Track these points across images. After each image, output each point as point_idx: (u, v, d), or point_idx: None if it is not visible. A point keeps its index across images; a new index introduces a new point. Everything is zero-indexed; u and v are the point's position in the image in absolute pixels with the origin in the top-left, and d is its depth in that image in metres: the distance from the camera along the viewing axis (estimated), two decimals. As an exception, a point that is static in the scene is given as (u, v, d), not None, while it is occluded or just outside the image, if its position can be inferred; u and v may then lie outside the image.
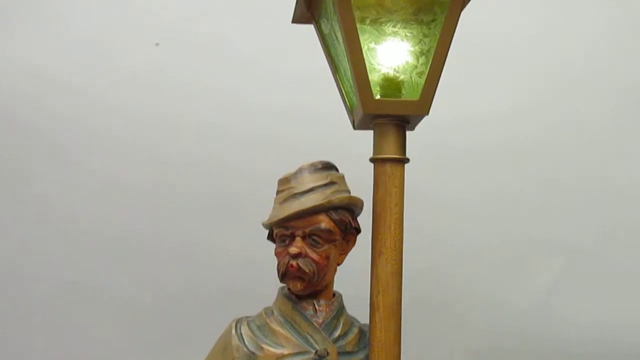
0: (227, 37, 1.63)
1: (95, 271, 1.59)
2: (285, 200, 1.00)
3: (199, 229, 1.59)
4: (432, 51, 0.95)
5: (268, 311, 1.02)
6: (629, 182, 1.63)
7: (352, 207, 1.01)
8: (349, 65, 0.95)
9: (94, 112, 1.61)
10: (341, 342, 1.00)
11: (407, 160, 0.97)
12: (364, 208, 1.03)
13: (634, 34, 1.66)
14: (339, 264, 1.02)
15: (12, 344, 1.58)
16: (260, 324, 1.01)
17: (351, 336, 1.01)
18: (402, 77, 0.96)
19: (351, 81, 0.97)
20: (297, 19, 1.09)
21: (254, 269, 1.47)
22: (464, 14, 0.97)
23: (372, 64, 0.95)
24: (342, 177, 1.03)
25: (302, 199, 0.99)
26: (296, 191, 1.00)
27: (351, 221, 1.01)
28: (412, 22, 0.96)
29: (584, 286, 1.62)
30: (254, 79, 1.61)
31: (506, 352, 1.61)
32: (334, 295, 1.03)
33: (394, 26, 0.96)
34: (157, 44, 1.61)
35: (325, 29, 1.04)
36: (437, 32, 0.95)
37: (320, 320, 1.00)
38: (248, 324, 1.01)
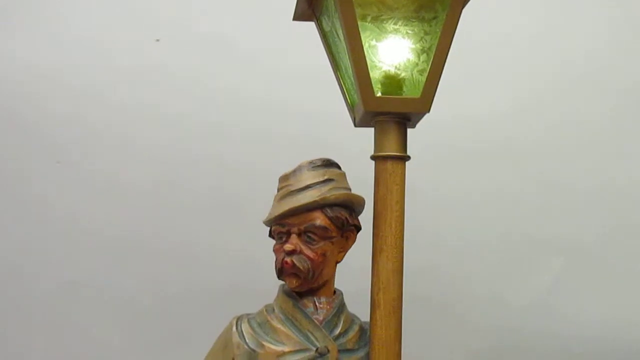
0: (228, 34, 1.63)
1: (95, 271, 1.59)
2: (283, 197, 1.01)
3: (199, 229, 1.59)
4: (434, 49, 0.95)
5: (269, 308, 1.02)
6: (629, 181, 1.64)
7: (349, 204, 1.01)
8: (350, 62, 0.95)
9: (94, 112, 1.61)
10: (342, 340, 1.00)
11: (408, 157, 0.97)
12: (365, 205, 1.03)
13: (634, 33, 1.66)
14: (338, 262, 1.02)
15: (12, 344, 1.57)
16: (260, 322, 1.01)
17: (352, 334, 1.01)
18: (403, 74, 0.96)
19: (352, 79, 0.97)
20: (298, 17, 1.09)
21: (254, 268, 1.47)
22: (465, 11, 0.97)
23: (373, 62, 0.95)
24: (342, 175, 1.03)
25: (298, 196, 0.99)
26: (293, 188, 1.00)
27: (348, 218, 1.00)
28: (414, 20, 0.96)
29: (584, 285, 1.62)
30: (255, 77, 1.61)
31: (506, 350, 1.61)
32: (334, 292, 1.03)
33: (395, 24, 0.96)
34: (157, 40, 1.61)
35: (327, 26, 1.05)
36: (438, 30, 0.95)
37: (321, 318, 1.00)
38: (249, 322, 1.01)
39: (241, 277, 1.55)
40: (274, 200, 1.03)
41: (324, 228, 0.99)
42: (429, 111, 0.96)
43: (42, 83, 1.61)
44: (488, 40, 1.62)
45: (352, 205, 1.02)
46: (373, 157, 0.98)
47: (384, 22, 0.96)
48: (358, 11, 0.94)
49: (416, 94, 0.96)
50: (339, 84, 1.06)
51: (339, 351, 0.99)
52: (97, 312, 1.59)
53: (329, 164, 1.02)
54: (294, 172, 1.01)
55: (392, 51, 0.96)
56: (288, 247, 0.99)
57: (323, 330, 0.99)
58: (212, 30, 1.63)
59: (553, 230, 1.62)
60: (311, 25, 1.09)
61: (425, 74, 0.95)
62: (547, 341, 1.60)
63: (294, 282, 0.99)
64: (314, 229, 0.98)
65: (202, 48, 1.62)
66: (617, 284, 1.61)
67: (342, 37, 0.96)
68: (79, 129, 1.61)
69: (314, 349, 0.98)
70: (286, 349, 0.98)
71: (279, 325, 1.00)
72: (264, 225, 1.04)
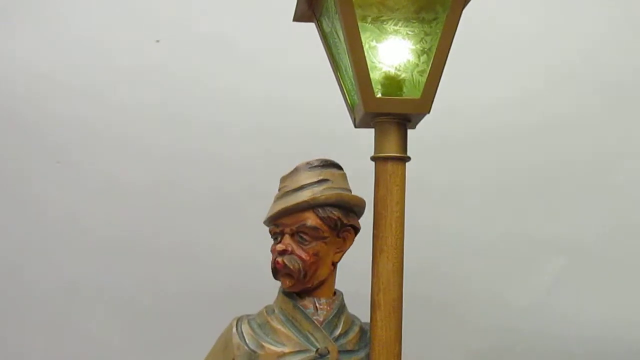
0: (228, 34, 1.63)
1: (95, 271, 1.59)
2: (279, 198, 1.01)
3: (199, 229, 1.59)
4: (434, 50, 0.95)
5: (269, 309, 1.02)
6: (629, 180, 1.64)
7: (342, 204, 1.00)
8: (350, 63, 0.95)
9: (94, 112, 1.61)
10: (342, 341, 1.00)
11: (409, 158, 0.97)
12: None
13: (633, 31, 1.66)
14: (335, 262, 1.02)
15: (12, 344, 1.57)
16: (261, 322, 1.01)
17: (352, 335, 1.01)
18: (403, 75, 0.96)
19: (352, 79, 0.97)
20: (298, 17, 1.09)
21: (254, 269, 1.46)
22: (465, 12, 0.97)
23: (374, 62, 0.95)
24: (340, 175, 1.03)
25: (292, 197, 1.00)
26: (289, 189, 1.01)
27: (341, 218, 1.00)
28: (414, 21, 0.96)
29: (584, 285, 1.62)
30: (255, 77, 1.61)
31: (506, 350, 1.61)
32: (334, 293, 1.03)
33: (395, 24, 0.96)
34: (157, 41, 1.61)
35: (327, 27, 1.04)
36: (438, 31, 0.95)
37: (321, 319, 1.00)
38: (249, 322, 1.01)
39: (241, 277, 1.56)
40: (273, 200, 1.03)
41: (315, 228, 0.99)
42: (429, 112, 0.96)
43: (42, 83, 1.61)
44: (487, 38, 1.62)
45: (347, 206, 1.01)
46: (373, 158, 0.98)
47: (384, 23, 0.95)
48: (358, 12, 0.93)
49: (416, 94, 0.96)
50: (339, 85, 1.06)
51: (339, 352, 0.99)
52: (97, 312, 1.59)
53: (327, 164, 1.02)
54: (292, 173, 1.02)
55: (393, 52, 0.96)
56: (279, 247, 1.00)
57: (323, 331, 0.99)
58: (212, 30, 1.63)
59: (553, 230, 1.62)
60: (311, 26, 1.09)
61: (426, 75, 0.95)
62: (547, 341, 1.60)
63: (287, 282, 1.00)
64: (305, 229, 0.99)
65: (202, 48, 1.62)
66: (617, 284, 1.61)
67: (342, 38, 0.96)
68: (79, 129, 1.61)
69: (314, 350, 0.98)
70: (286, 349, 0.98)
71: (279, 326, 1.00)
72: (264, 226, 1.04)
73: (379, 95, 0.95)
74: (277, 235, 1.01)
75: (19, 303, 1.59)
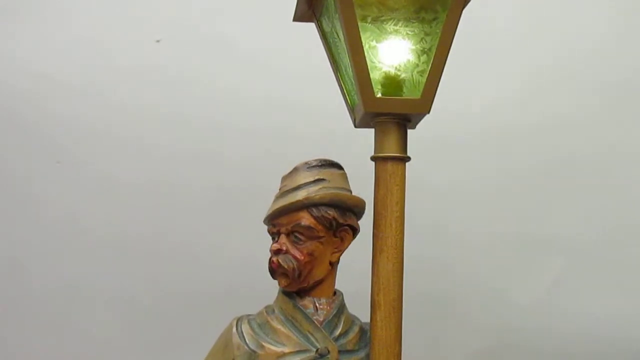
0: (228, 35, 1.63)
1: (95, 271, 1.59)
2: (277, 198, 1.02)
3: (199, 229, 1.59)
4: (434, 50, 0.95)
5: (269, 309, 1.02)
6: (630, 180, 1.64)
7: (338, 204, 1.00)
8: (350, 63, 0.95)
9: (94, 112, 1.61)
10: (342, 341, 1.00)
11: (409, 158, 0.97)
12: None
13: (633, 31, 1.66)
14: (333, 262, 1.02)
15: (12, 344, 1.57)
16: (261, 322, 1.01)
17: (352, 335, 1.01)
18: (403, 75, 0.96)
19: (352, 79, 0.97)
20: (298, 17, 1.09)
21: (255, 269, 1.46)
22: (465, 12, 0.98)
23: (374, 62, 0.95)
24: (339, 175, 1.03)
25: (287, 197, 1.00)
26: (286, 189, 1.01)
27: (337, 218, 1.00)
28: (414, 21, 0.96)
29: (584, 284, 1.62)
30: (255, 78, 1.61)
31: (507, 349, 1.61)
32: (334, 293, 1.03)
33: (395, 24, 0.96)
34: (158, 41, 1.61)
35: (327, 27, 1.04)
36: (438, 31, 0.95)
37: (321, 319, 1.00)
38: (249, 322, 1.02)
39: (241, 277, 1.56)
40: (273, 200, 1.03)
41: (309, 228, 0.99)
42: (429, 112, 0.96)
43: (42, 83, 1.61)
44: (487, 37, 1.62)
45: (344, 205, 1.01)
46: (373, 158, 0.98)
47: (384, 23, 0.95)
48: (358, 12, 0.94)
49: (416, 94, 0.96)
50: (339, 85, 1.06)
51: (339, 352, 0.99)
52: (97, 312, 1.59)
53: (325, 164, 1.02)
54: (291, 173, 1.02)
55: (393, 52, 0.96)
56: (274, 246, 1.01)
57: (323, 331, 0.99)
58: (212, 30, 1.63)
59: (553, 229, 1.63)
60: (311, 26, 1.09)
61: (426, 75, 0.95)
62: (548, 340, 1.60)
63: (282, 282, 1.00)
64: (299, 228, 0.99)
65: (202, 48, 1.62)
66: (618, 283, 1.62)
67: (342, 38, 0.96)
68: (79, 129, 1.61)
69: (314, 349, 0.98)
70: (286, 349, 0.98)
71: (279, 326, 1.00)
72: (263, 226, 1.04)
73: (379, 95, 0.95)
74: (274, 235, 1.02)
75: (19, 303, 1.59)
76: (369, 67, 0.94)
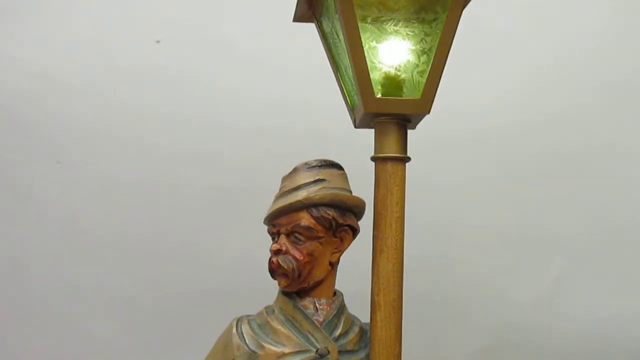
0: (228, 35, 1.63)
1: (95, 271, 1.59)
2: (277, 198, 1.02)
3: (199, 229, 1.59)
4: (434, 50, 0.95)
5: (269, 310, 1.02)
6: (630, 179, 1.64)
7: (337, 204, 1.00)
8: (350, 63, 0.95)
9: (94, 112, 1.61)
10: (342, 341, 1.00)
11: (409, 159, 0.97)
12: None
13: (631, 30, 1.66)
14: (333, 262, 1.02)
15: (12, 344, 1.57)
16: (261, 323, 1.01)
17: (352, 335, 1.01)
18: (403, 75, 0.96)
19: (352, 80, 0.97)
20: (298, 18, 1.09)
21: (255, 269, 1.46)
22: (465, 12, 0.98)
23: (374, 63, 0.95)
24: (339, 175, 1.03)
25: (287, 197, 1.00)
26: (286, 189, 1.01)
27: (336, 218, 1.00)
28: (414, 21, 0.96)
29: (585, 283, 1.62)
30: (255, 78, 1.61)
31: (507, 349, 1.61)
32: (334, 293, 1.03)
33: (395, 25, 0.96)
34: (157, 42, 1.61)
35: (327, 27, 1.04)
36: (438, 31, 0.95)
37: (321, 319, 1.00)
38: (249, 323, 1.01)
39: (241, 277, 1.56)
40: (273, 200, 1.03)
41: (309, 228, 0.99)
42: (429, 112, 0.96)
43: (42, 83, 1.61)
44: (486, 37, 1.62)
45: (344, 205, 1.01)
46: (373, 158, 0.98)
47: (384, 23, 0.95)
48: (358, 12, 0.93)
49: (416, 95, 0.96)
50: (339, 85, 1.06)
51: (339, 352, 0.99)
52: (97, 312, 1.59)
53: (325, 164, 1.02)
54: (291, 173, 1.02)
55: (393, 52, 0.96)
56: (274, 247, 1.00)
57: (323, 331, 0.99)
58: (212, 30, 1.63)
59: (554, 228, 1.63)
60: (311, 26, 1.09)
61: (426, 75, 0.95)
62: (548, 339, 1.60)
63: (282, 282, 1.00)
64: (299, 228, 0.99)
65: (202, 48, 1.62)
66: (619, 282, 1.62)
67: (342, 38, 0.96)
68: (79, 129, 1.61)
69: (314, 350, 0.98)
70: (286, 350, 0.98)
71: (279, 327, 1.00)
72: (263, 226, 1.04)
73: (379, 95, 0.95)
74: (274, 235, 1.02)
75: (19, 303, 1.59)
76: (369, 68, 0.94)
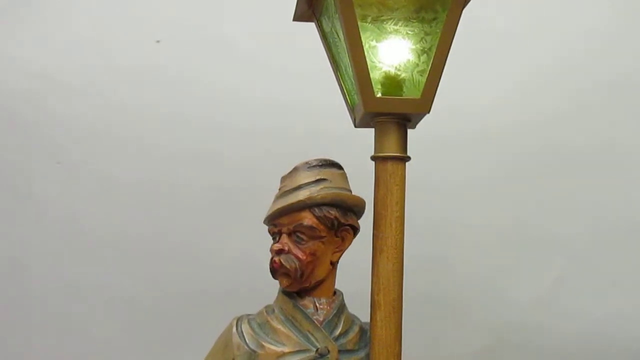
0: (228, 35, 1.63)
1: (95, 271, 1.59)
2: (278, 198, 1.02)
3: (199, 229, 1.59)
4: (434, 49, 0.95)
5: (269, 309, 1.02)
6: (630, 179, 1.64)
7: (339, 204, 1.00)
8: (350, 63, 0.95)
9: (94, 112, 1.61)
10: (342, 340, 1.00)
11: (409, 158, 0.97)
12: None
13: (628, 26, 1.67)
14: (334, 262, 1.02)
15: (12, 344, 1.57)
16: (261, 322, 1.01)
17: (352, 334, 1.01)
18: (403, 75, 0.96)
19: (352, 79, 0.97)
20: (298, 17, 1.09)
21: (255, 268, 1.46)
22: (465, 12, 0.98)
23: (374, 62, 0.95)
24: (340, 175, 1.03)
25: (289, 197, 1.00)
26: (286, 189, 1.01)
27: (338, 218, 1.00)
28: (414, 20, 0.96)
29: (585, 283, 1.62)
30: (255, 78, 1.61)
31: (507, 349, 1.61)
32: (334, 293, 1.03)
33: (395, 24, 0.96)
34: (158, 42, 1.61)
35: (327, 27, 1.04)
36: (438, 31, 0.95)
37: (321, 318, 1.00)
38: (249, 322, 1.02)
39: (241, 277, 1.56)
40: (273, 200, 1.03)
41: (312, 228, 0.99)
42: (429, 112, 0.96)
43: (42, 83, 1.61)
44: (485, 37, 1.62)
45: (345, 205, 1.01)
46: (373, 158, 0.98)
47: (384, 22, 0.95)
48: (358, 12, 0.93)
49: (416, 94, 0.96)
50: (339, 85, 1.06)
51: (339, 352, 0.99)
52: (97, 312, 1.59)
53: (326, 164, 1.02)
54: (291, 173, 1.02)
55: (393, 52, 0.96)
56: (276, 246, 1.00)
57: (323, 330, 0.99)
58: (212, 30, 1.63)
59: (554, 228, 1.63)
60: (311, 26, 1.09)
61: (426, 75, 0.95)
62: (549, 339, 1.60)
63: (284, 282, 1.00)
64: (301, 228, 0.99)
65: (202, 48, 1.62)
66: (618, 283, 1.62)
67: (342, 38, 0.96)
68: (79, 129, 1.61)
69: (314, 349, 0.98)
70: (286, 349, 0.98)
71: (279, 326, 1.00)
72: (264, 225, 1.04)
73: (379, 95, 0.95)
74: (275, 235, 1.02)
75: (19, 303, 1.58)
76: (369, 67, 0.94)
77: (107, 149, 1.61)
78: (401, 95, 0.96)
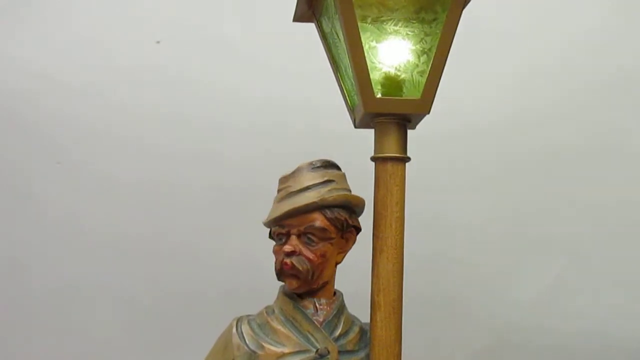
0: (228, 35, 1.63)
1: (95, 271, 1.59)
2: (283, 199, 1.01)
3: (199, 229, 1.59)
4: (434, 50, 0.95)
5: (269, 310, 1.02)
6: (630, 178, 1.64)
7: (348, 205, 1.01)
8: (350, 63, 0.95)
9: (94, 112, 1.61)
10: (342, 341, 1.00)
11: (409, 159, 0.97)
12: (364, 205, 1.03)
13: (627, 26, 1.67)
14: (338, 263, 1.02)
15: (12, 344, 1.57)
16: (261, 323, 1.01)
17: (352, 335, 1.01)
18: (403, 75, 0.96)
19: (352, 80, 0.97)
20: (298, 18, 1.09)
21: (255, 269, 1.47)
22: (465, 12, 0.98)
23: (374, 63, 0.95)
24: (342, 176, 1.03)
25: (297, 198, 0.99)
26: (292, 190, 1.00)
27: (347, 219, 1.00)
28: (414, 21, 0.96)
29: (585, 283, 1.62)
30: (255, 78, 1.61)
31: (508, 348, 1.61)
32: (334, 293, 1.03)
33: (395, 25, 0.96)
34: (158, 42, 1.61)
35: (327, 27, 1.04)
36: (438, 31, 0.95)
37: (321, 319, 1.00)
38: (249, 323, 1.01)
39: (241, 277, 1.56)
40: (274, 201, 1.02)
41: (323, 229, 0.99)
42: (429, 112, 0.96)
43: (42, 83, 1.61)
44: (484, 36, 1.62)
45: (352, 207, 1.01)
46: (373, 159, 0.98)
47: (384, 23, 0.95)
48: (358, 12, 0.93)
49: (416, 95, 0.96)
50: (339, 85, 1.06)
51: (339, 352, 0.99)
52: (97, 312, 1.59)
53: (328, 165, 1.02)
54: (294, 173, 1.01)
55: (392, 52, 0.96)
56: (287, 248, 0.99)
57: (323, 331, 0.99)
58: (212, 30, 1.63)
59: (554, 228, 1.63)
60: (311, 26, 1.09)
61: (426, 75, 0.95)
62: (549, 339, 1.61)
63: (293, 284, 0.99)
64: (313, 230, 0.98)
65: (202, 48, 1.62)
66: (618, 283, 1.62)
67: (342, 38, 0.96)
68: (79, 129, 1.61)
69: (314, 350, 0.98)
70: (286, 350, 0.98)
71: (279, 327, 1.00)
72: (264, 226, 1.04)
73: (379, 95, 0.95)
74: (281, 236, 1.00)
75: (19, 303, 1.59)
76: (368, 68, 0.94)
77: (107, 149, 1.61)
78: (401, 96, 0.96)
